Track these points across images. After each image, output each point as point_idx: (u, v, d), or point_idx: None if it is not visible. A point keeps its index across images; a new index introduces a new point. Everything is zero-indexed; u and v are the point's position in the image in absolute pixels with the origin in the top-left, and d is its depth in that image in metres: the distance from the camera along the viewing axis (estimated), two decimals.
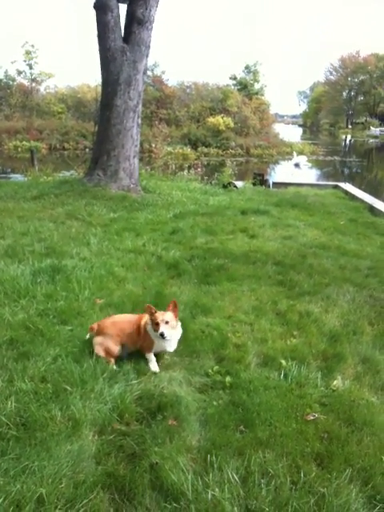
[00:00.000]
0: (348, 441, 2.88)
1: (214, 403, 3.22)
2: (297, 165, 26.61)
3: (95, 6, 11.23)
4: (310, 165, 29.57)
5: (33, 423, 2.88)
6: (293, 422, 3.04)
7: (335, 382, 3.53)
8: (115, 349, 3.73)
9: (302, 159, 27.36)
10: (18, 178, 18.03)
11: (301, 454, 2.77)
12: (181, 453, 2.72)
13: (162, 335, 3.56)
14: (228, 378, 3.50)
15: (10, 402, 3.03)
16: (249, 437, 2.88)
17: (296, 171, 24.76)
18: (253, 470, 2.61)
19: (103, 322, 3.91)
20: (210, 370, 3.61)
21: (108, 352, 3.71)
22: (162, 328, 3.57)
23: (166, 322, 3.61)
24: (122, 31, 11.39)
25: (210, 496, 2.43)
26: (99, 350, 3.70)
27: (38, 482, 2.45)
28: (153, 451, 2.71)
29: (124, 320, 3.96)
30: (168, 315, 3.65)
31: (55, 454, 2.64)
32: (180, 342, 3.88)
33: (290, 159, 30.12)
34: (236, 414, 3.11)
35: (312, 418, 3.09)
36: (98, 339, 3.76)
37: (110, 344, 3.72)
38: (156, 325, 3.61)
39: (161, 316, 3.62)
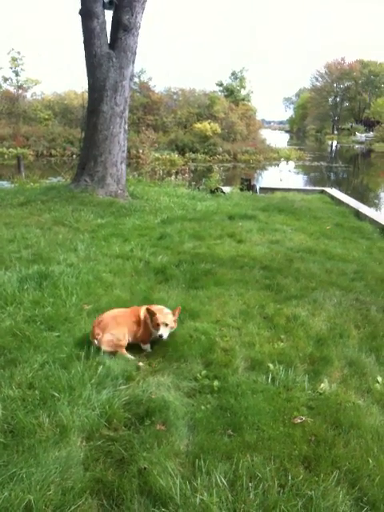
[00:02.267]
0: (335, 443, 2.90)
1: (202, 407, 3.23)
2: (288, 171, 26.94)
3: (81, 13, 11.25)
4: (297, 171, 29.73)
5: (20, 430, 2.86)
6: (280, 425, 3.06)
7: (322, 386, 3.55)
8: (125, 338, 3.94)
9: (290, 166, 27.60)
10: (4, 184, 17.88)
11: (288, 457, 2.78)
12: (169, 458, 2.72)
13: (160, 336, 3.91)
14: (216, 383, 3.51)
15: None
16: (237, 441, 2.89)
17: (284, 177, 24.85)
18: (241, 474, 2.62)
19: (102, 319, 3.98)
20: (197, 375, 3.62)
21: (118, 344, 3.88)
22: (162, 330, 3.91)
23: (166, 325, 3.93)
24: (108, 37, 11.41)
25: (198, 500, 2.43)
26: (109, 346, 3.84)
27: (25, 488, 2.44)
28: (141, 456, 2.71)
29: (122, 313, 4.12)
30: (169, 318, 3.98)
31: (43, 461, 2.62)
32: (168, 345, 3.98)
33: (278, 165, 30.39)
34: (224, 418, 3.12)
35: (299, 421, 3.11)
36: (105, 337, 3.85)
37: (119, 335, 3.91)
38: (157, 326, 3.91)
39: (162, 318, 3.94)
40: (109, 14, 11.48)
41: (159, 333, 3.89)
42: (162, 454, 2.73)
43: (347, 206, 12.01)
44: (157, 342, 4.07)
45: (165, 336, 3.91)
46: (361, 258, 7.00)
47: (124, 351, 3.92)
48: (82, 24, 11.28)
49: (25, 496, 2.39)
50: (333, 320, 4.72)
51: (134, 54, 11.61)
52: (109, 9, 11.40)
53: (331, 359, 3.93)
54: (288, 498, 2.48)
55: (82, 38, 11.38)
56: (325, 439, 2.94)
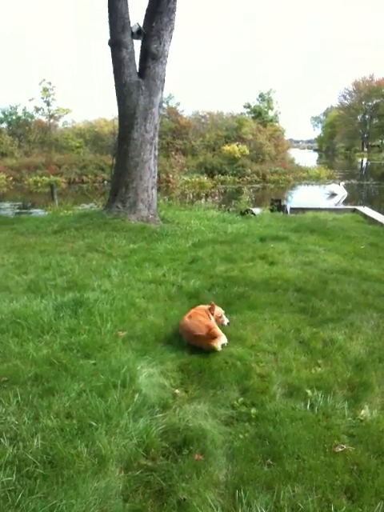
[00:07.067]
0: (378, 473, 2.82)
1: (240, 436, 3.18)
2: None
3: (110, 43, 11.52)
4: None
5: (59, 461, 2.87)
6: (321, 454, 2.99)
7: (363, 412, 3.46)
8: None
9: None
10: (38, 212, 18.34)
11: (330, 487, 2.71)
12: (208, 488, 2.69)
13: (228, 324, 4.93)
14: (253, 410, 3.46)
15: (36, 440, 3.03)
16: (277, 470, 2.84)
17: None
18: (282, 505, 2.56)
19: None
20: (234, 402, 3.57)
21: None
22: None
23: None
24: (137, 66, 11.66)
25: None
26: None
27: None
28: (180, 487, 2.69)
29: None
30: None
31: (82, 492, 2.62)
32: (204, 372, 4.00)
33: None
34: (263, 446, 3.07)
35: (340, 449, 3.04)
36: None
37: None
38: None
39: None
40: (137, 44, 11.75)
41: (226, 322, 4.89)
42: (202, 485, 2.70)
43: (381, 224, 11.85)
44: (193, 369, 4.05)
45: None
46: None
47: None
48: (112, 54, 11.56)
49: None
50: (371, 343, 4.61)
51: (163, 81, 11.82)
52: (137, 38, 11.65)
53: (371, 384, 3.83)
54: None
55: (111, 68, 11.68)
56: (367, 468, 2.86)
